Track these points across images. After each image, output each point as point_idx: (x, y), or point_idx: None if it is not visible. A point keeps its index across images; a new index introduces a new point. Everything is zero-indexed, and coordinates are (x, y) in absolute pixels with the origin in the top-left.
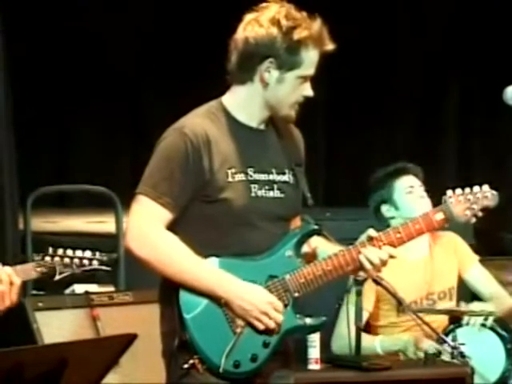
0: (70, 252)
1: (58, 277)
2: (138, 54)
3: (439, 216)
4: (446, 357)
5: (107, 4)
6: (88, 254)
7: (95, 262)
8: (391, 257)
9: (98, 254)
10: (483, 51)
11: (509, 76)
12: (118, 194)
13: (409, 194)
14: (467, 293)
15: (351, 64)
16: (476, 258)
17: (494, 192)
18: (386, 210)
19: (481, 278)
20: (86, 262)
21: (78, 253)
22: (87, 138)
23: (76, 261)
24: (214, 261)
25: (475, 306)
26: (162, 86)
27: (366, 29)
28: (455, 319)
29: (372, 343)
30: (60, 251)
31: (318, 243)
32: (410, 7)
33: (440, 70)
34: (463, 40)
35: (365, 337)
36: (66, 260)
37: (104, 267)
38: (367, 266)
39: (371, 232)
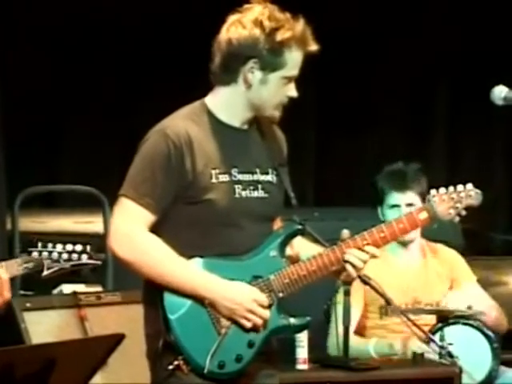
0: (59, 247)
1: (46, 272)
2: (124, 56)
3: (423, 215)
4: (432, 356)
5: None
6: (78, 247)
7: (84, 257)
8: (374, 256)
9: (88, 247)
10: (472, 51)
11: (497, 75)
12: (106, 194)
13: (391, 209)
14: None
15: (342, 64)
16: (474, 277)
17: (478, 191)
18: (379, 213)
19: (474, 295)
20: (74, 256)
21: (68, 247)
22: (75, 139)
23: (64, 255)
24: (197, 261)
25: (451, 298)
26: (150, 87)
27: (358, 27)
28: (442, 319)
29: (365, 346)
30: (49, 246)
31: (301, 246)
32: (401, 7)
33: (429, 70)
34: (452, 39)
35: (358, 340)
36: (55, 255)
37: (93, 261)
38: (349, 267)
39: (344, 233)
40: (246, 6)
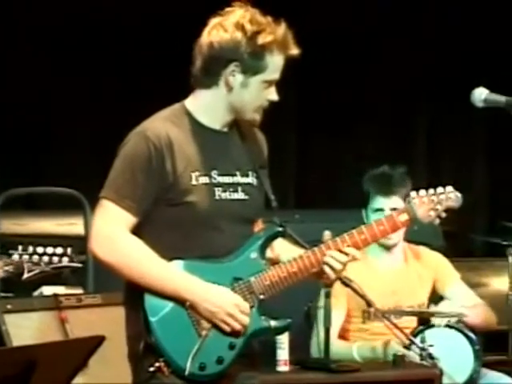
0: (40, 249)
1: (26, 275)
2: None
3: (403, 217)
4: (414, 358)
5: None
6: (59, 250)
7: (65, 259)
8: (354, 259)
9: (69, 250)
10: (453, 54)
11: (477, 78)
12: (87, 197)
13: (375, 213)
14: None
15: (323, 66)
16: (457, 275)
17: (458, 193)
18: (363, 214)
19: (461, 293)
20: (55, 259)
21: (49, 250)
22: (58, 141)
23: (45, 258)
24: (178, 263)
25: (443, 307)
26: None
27: (342, 29)
28: (424, 321)
29: (349, 350)
30: (30, 249)
31: (281, 248)
32: (382, 15)
33: (411, 73)
34: (434, 43)
35: (341, 344)
36: (35, 257)
37: (74, 264)
38: (328, 269)
39: (326, 235)
40: (228, 9)
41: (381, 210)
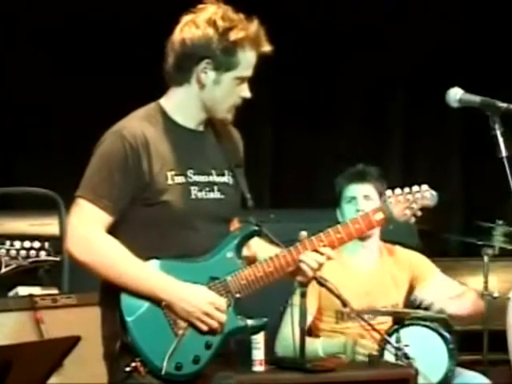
0: (17, 244)
1: (3, 269)
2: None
3: (379, 216)
4: (389, 357)
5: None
6: (36, 244)
7: (43, 253)
8: (329, 258)
9: (46, 244)
10: (428, 53)
11: (452, 78)
12: (62, 196)
13: (348, 203)
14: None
15: (298, 65)
16: (436, 268)
17: (433, 192)
18: (338, 214)
19: (445, 285)
20: (32, 253)
21: (26, 244)
22: (32, 141)
23: (23, 252)
24: (154, 263)
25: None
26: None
27: (316, 26)
28: (398, 321)
29: (314, 346)
30: (7, 243)
31: (258, 247)
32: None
33: (386, 72)
34: (408, 42)
35: (307, 340)
36: (12, 252)
37: (52, 258)
38: (304, 268)
39: (302, 235)
40: (200, 6)
41: (354, 198)
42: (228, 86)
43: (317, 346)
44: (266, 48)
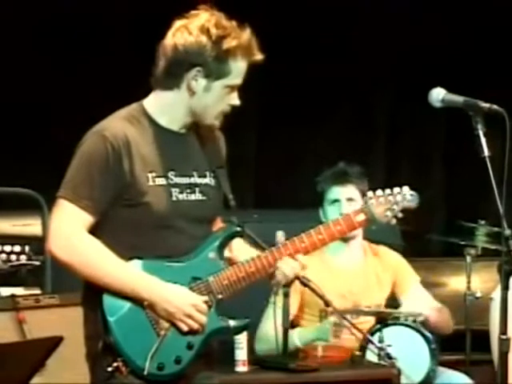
0: None
1: None
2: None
3: (360, 217)
4: (372, 357)
5: None
6: (17, 248)
7: (23, 257)
8: (303, 268)
9: (26, 248)
10: (411, 53)
11: (435, 78)
12: (44, 197)
13: (331, 205)
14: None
15: (283, 66)
16: (417, 278)
17: (414, 193)
18: (320, 214)
19: (420, 297)
20: (13, 257)
21: (6, 248)
22: (14, 140)
23: (3, 256)
24: (136, 263)
25: (403, 307)
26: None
27: (300, 27)
28: (381, 321)
29: (291, 337)
30: None
31: (239, 248)
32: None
33: (370, 72)
34: (394, 43)
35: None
36: None
37: (32, 262)
38: (278, 275)
39: (279, 235)
40: (193, 12)
41: (337, 200)
42: (218, 93)
43: (293, 337)
44: (258, 57)
